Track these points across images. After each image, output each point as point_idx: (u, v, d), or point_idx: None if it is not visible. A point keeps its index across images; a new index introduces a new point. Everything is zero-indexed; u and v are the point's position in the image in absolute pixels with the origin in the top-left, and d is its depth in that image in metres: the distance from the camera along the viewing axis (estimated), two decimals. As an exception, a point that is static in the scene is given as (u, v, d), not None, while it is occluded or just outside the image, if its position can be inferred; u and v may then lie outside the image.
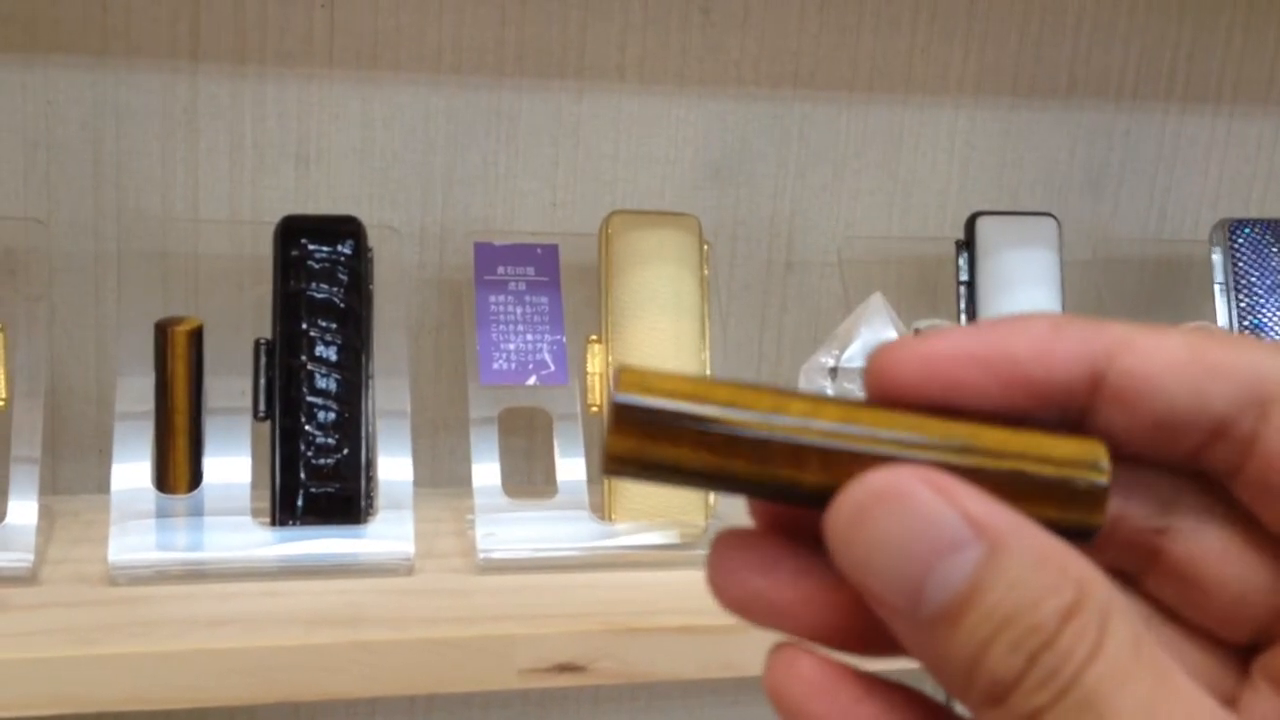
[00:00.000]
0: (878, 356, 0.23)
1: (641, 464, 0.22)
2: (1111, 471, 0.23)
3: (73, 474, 0.77)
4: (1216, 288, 0.82)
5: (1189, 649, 0.25)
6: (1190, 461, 0.24)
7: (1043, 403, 0.23)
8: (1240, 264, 0.82)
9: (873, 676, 0.23)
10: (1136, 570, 0.25)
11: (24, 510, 0.64)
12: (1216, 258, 0.82)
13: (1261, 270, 0.82)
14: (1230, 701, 0.24)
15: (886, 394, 0.23)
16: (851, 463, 0.22)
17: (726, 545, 0.24)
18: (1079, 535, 0.22)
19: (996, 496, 0.21)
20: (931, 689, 0.24)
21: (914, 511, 0.21)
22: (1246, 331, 0.81)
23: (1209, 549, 0.24)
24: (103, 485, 0.75)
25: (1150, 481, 0.24)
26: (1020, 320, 0.24)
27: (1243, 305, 0.81)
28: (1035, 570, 0.21)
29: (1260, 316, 0.81)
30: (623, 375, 0.22)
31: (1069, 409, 0.23)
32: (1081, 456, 0.22)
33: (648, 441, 0.22)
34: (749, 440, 0.22)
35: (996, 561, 0.21)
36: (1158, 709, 0.20)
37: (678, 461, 0.22)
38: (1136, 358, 0.23)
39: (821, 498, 0.22)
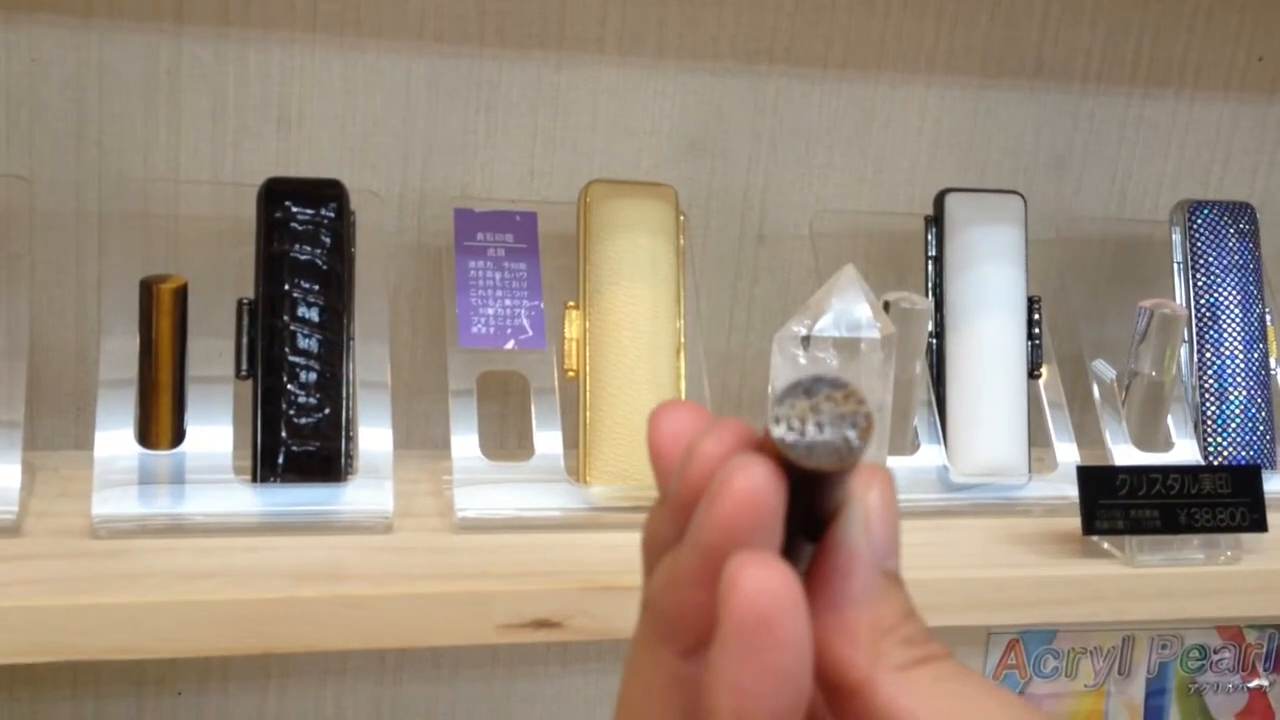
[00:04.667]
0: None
1: None
2: None
3: (50, 430, 0.77)
4: (1175, 267, 0.85)
5: None
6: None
7: None
8: (1198, 244, 0.84)
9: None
10: None
11: (6, 467, 0.65)
12: (1175, 238, 0.85)
13: (1218, 251, 0.84)
14: None
15: None
16: None
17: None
18: None
19: None
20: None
21: None
22: (1203, 310, 0.83)
23: None
24: (80, 442, 0.76)
25: None
26: None
27: (1199, 284, 0.84)
28: None
29: (1216, 295, 0.83)
30: None
31: None
32: None
33: None
34: None
35: None
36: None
37: None
38: None
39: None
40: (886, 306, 0.74)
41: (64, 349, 0.77)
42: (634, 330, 0.73)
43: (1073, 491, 0.72)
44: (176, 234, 0.75)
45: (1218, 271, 0.84)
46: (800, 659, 0.26)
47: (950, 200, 0.81)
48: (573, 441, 0.73)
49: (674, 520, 0.29)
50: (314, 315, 0.68)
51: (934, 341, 0.79)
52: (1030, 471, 0.78)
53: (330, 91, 0.77)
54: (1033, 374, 0.80)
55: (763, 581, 0.26)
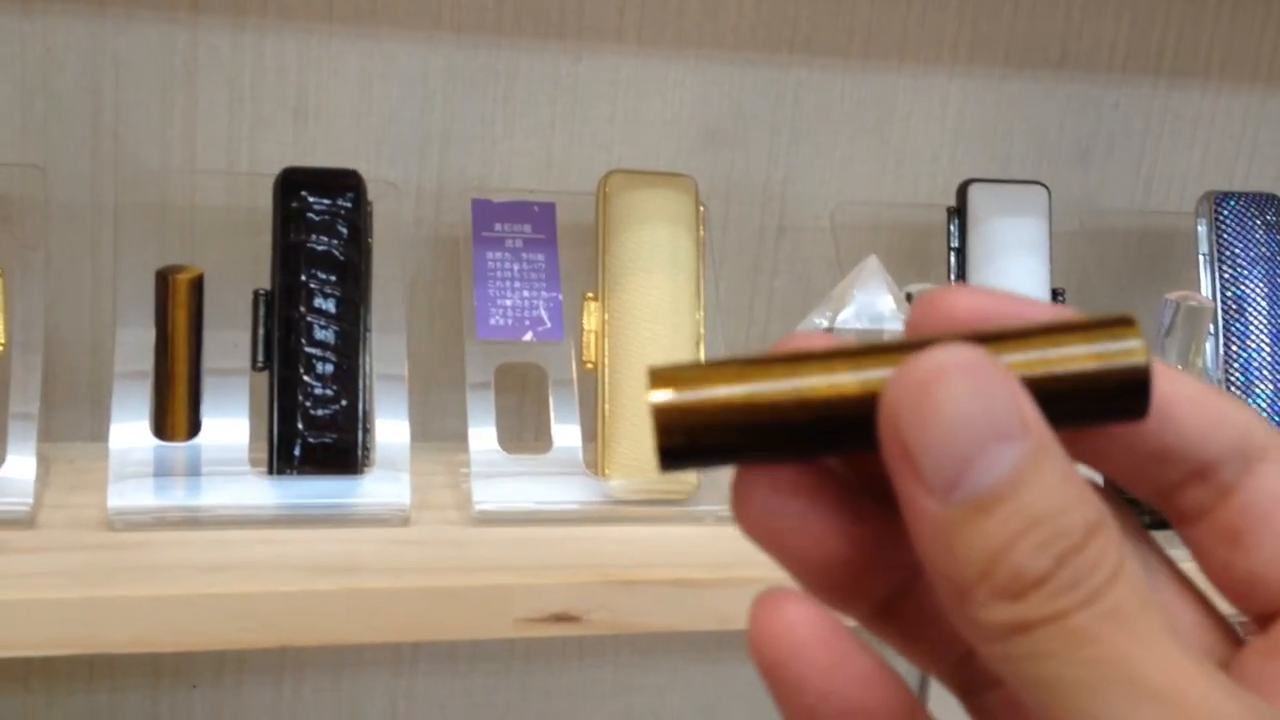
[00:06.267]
0: (925, 300, 0.24)
1: (693, 428, 0.22)
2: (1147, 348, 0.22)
3: (65, 422, 0.77)
4: (1201, 259, 0.83)
5: None
6: (1155, 499, 0.25)
7: None
8: (1224, 236, 0.83)
9: (855, 638, 0.24)
10: None
11: (22, 459, 0.65)
12: (1201, 230, 0.84)
13: (1245, 243, 0.83)
14: None
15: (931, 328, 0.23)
16: (893, 359, 0.22)
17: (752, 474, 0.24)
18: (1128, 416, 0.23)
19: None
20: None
21: (982, 389, 0.21)
22: (1229, 302, 0.82)
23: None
24: (95, 433, 0.75)
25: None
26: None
27: (1226, 277, 0.82)
28: (1064, 481, 0.21)
29: (1242, 288, 0.82)
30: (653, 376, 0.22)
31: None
32: (1113, 339, 0.22)
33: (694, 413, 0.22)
34: (781, 362, 0.22)
35: (1038, 462, 0.21)
36: (1173, 638, 0.21)
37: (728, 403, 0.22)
38: (1167, 383, 0.23)
39: (855, 421, 0.22)
40: (909, 298, 0.73)
41: (79, 340, 0.76)
42: (653, 322, 0.72)
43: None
44: (192, 225, 0.75)
45: (1244, 263, 0.82)
46: (823, 697, 0.23)
47: (973, 191, 0.80)
48: (591, 434, 0.73)
49: None
50: (330, 306, 0.68)
51: (956, 334, 0.78)
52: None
53: (347, 81, 0.77)
54: (1056, 367, 0.79)
55: (766, 625, 0.23)
